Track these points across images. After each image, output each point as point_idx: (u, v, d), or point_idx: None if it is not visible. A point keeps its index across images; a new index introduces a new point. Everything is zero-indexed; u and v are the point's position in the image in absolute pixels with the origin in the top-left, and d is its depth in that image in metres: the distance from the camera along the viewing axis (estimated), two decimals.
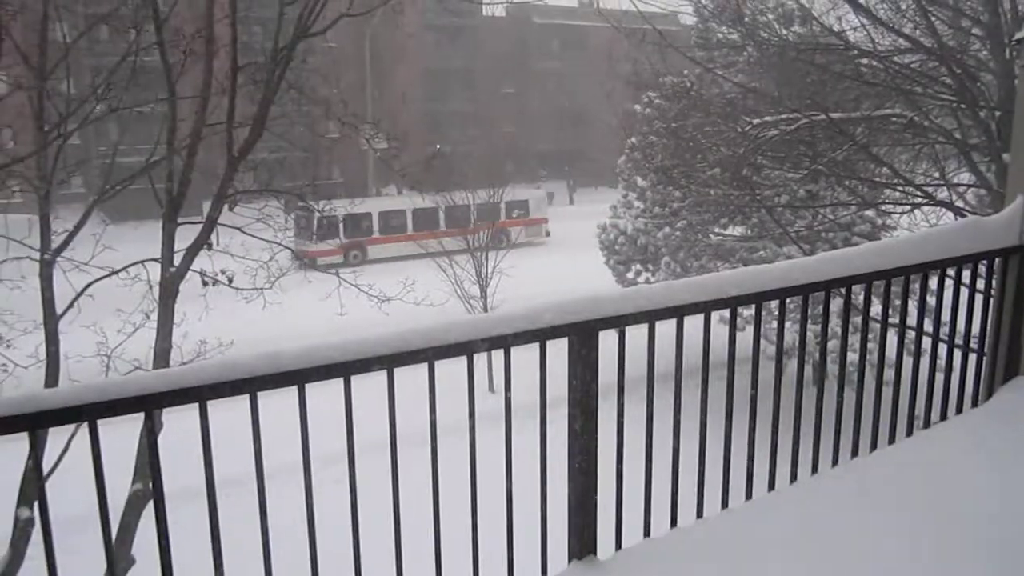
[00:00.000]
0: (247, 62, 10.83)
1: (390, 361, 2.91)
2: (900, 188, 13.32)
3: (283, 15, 10.54)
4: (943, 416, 4.43)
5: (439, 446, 3.15)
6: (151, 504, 3.89)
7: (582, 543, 3.36)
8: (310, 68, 14.48)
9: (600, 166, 42.95)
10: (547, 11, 58.30)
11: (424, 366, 3.02)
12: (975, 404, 4.53)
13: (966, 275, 4.40)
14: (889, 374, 4.22)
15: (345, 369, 2.84)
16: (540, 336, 3.15)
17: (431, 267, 22.65)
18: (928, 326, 4.46)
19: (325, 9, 10.73)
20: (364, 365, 2.87)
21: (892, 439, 4.23)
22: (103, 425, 2.59)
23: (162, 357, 10.03)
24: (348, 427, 2.96)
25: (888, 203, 14.50)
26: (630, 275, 23.53)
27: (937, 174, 14.06)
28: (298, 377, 2.77)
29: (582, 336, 3.21)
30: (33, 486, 9.22)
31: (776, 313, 3.86)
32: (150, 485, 6.85)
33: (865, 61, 12.56)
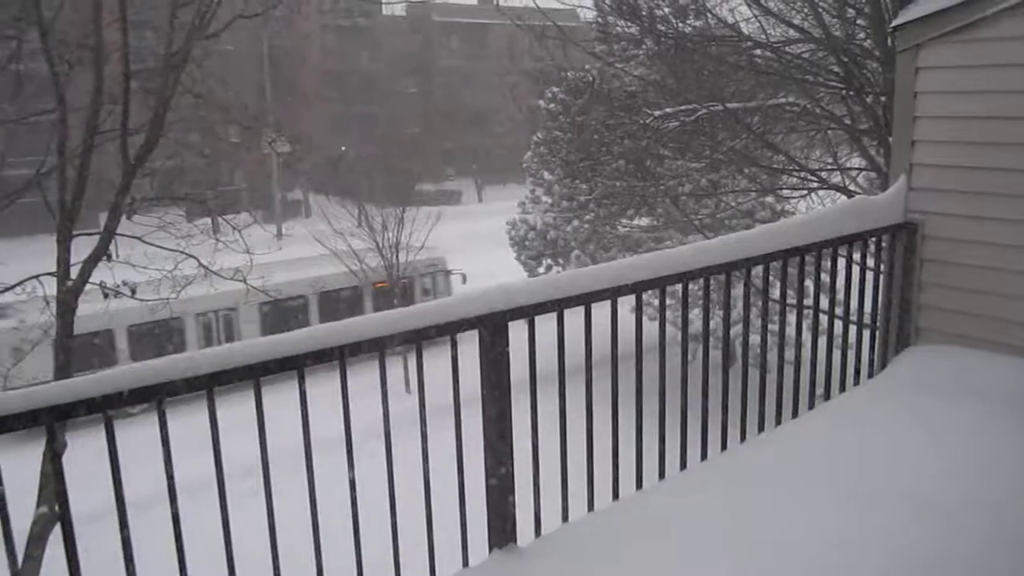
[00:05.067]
0: (140, 67, 10.53)
1: (301, 361, 2.87)
2: (796, 174, 13.76)
3: (175, 17, 10.28)
4: (842, 388, 4.64)
5: (355, 447, 3.14)
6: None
7: (502, 532, 3.39)
8: (207, 72, 14.13)
9: (507, 163, 43.07)
10: (447, 9, 58.23)
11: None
12: (871, 375, 4.75)
13: (859, 255, 4.60)
14: (792, 353, 4.39)
15: (253, 372, 2.78)
16: (451, 329, 3.17)
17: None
18: (827, 304, 4.64)
19: (220, 11, 10.50)
20: (276, 365, 2.82)
21: (795, 413, 4.40)
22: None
23: (63, 374, 9.67)
24: (260, 427, 2.91)
25: (785, 189, 14.97)
26: (541, 270, 23.71)
27: (830, 159, 14.57)
28: (211, 382, 2.72)
29: (493, 327, 3.24)
30: None
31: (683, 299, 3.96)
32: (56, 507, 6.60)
33: (759, 52, 12.92)
